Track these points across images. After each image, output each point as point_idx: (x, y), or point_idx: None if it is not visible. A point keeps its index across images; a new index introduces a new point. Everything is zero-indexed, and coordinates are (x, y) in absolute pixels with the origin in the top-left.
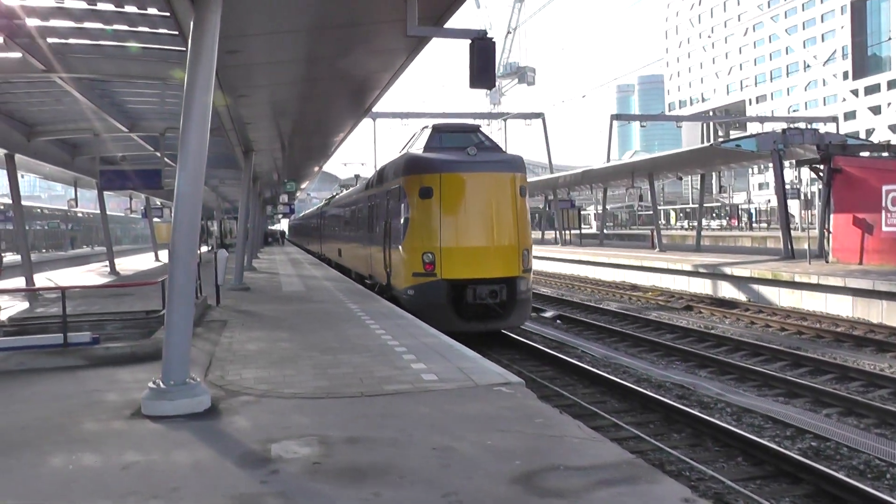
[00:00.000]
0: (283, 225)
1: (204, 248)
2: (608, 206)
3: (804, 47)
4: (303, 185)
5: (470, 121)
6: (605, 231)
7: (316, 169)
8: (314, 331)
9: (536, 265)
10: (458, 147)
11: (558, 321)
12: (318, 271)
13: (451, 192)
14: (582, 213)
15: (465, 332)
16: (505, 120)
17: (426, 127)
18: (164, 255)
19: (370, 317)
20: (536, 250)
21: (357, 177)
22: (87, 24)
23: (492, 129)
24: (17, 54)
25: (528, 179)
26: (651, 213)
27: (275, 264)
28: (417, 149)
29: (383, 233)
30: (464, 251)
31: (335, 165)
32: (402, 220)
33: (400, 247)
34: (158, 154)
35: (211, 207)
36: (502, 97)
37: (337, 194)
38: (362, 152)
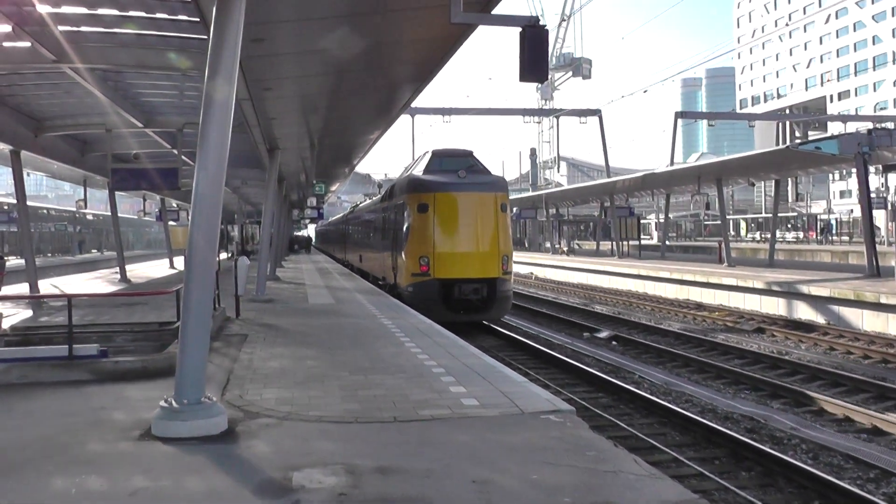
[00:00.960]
0: (310, 231)
1: (223, 255)
2: (671, 215)
3: (893, 36)
4: (333, 187)
5: (519, 117)
6: (667, 243)
7: (348, 169)
8: (343, 348)
9: (590, 279)
10: (453, 170)
11: (614, 342)
12: (349, 282)
13: (443, 208)
14: (642, 222)
15: (453, 322)
16: (557, 117)
17: (427, 152)
18: (179, 262)
19: (405, 334)
20: (590, 263)
21: (379, 186)
22: (100, 11)
23: (542, 128)
24: (26, 44)
25: (583, 183)
26: (719, 222)
27: (300, 274)
28: (419, 171)
29: (392, 240)
30: (452, 255)
31: (370, 164)
32: (405, 230)
33: (403, 251)
34: (175, 152)
35: (232, 210)
36: (555, 91)
37: (360, 203)
38: (400, 149)
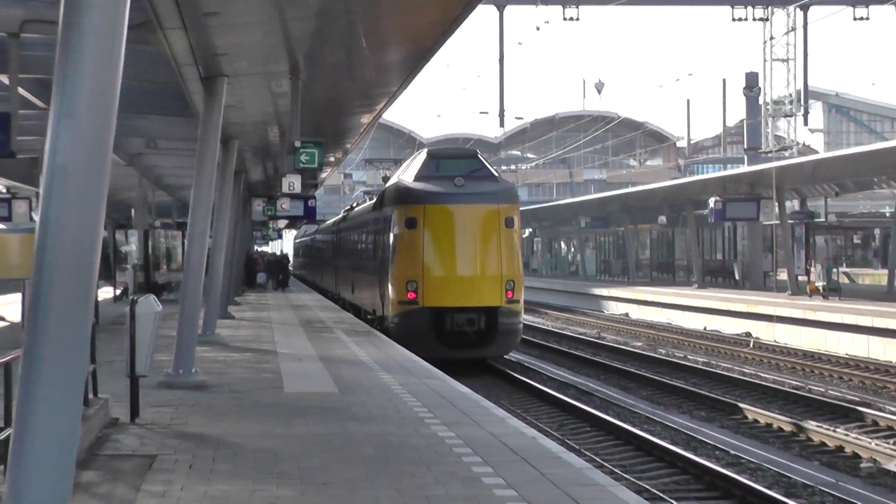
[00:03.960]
0: (286, 243)
1: (107, 293)
2: None
3: None
4: (334, 156)
5: (723, 8)
6: None
7: (366, 119)
8: (355, 487)
9: (875, 349)
10: (450, 176)
11: None
12: (364, 348)
13: (434, 223)
14: None
15: (447, 360)
16: (805, 8)
17: (421, 152)
18: (9, 306)
19: (482, 456)
20: (876, 315)
21: (385, 179)
22: None
23: (771, 32)
24: None
25: (859, 147)
26: None
27: (267, 330)
28: (409, 176)
29: (379, 262)
30: (444, 280)
31: (409, 111)
32: (391, 249)
33: (388, 275)
34: (4, 80)
35: (125, 201)
36: None
37: (355, 205)
38: (476, 75)
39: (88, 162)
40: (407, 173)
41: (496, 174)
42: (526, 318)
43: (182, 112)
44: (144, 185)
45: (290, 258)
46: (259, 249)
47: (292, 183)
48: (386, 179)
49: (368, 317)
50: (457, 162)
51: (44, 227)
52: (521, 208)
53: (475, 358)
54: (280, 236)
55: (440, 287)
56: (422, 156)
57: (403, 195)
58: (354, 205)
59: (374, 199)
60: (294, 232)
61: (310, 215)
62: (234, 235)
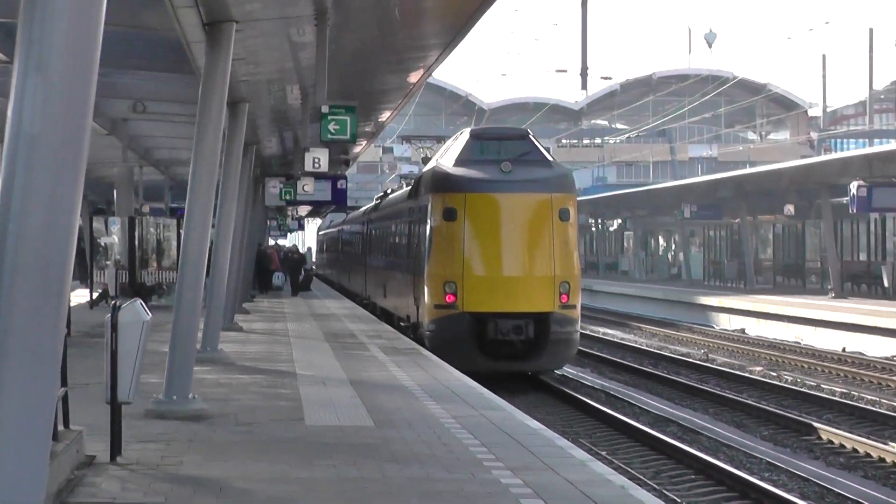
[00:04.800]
0: (308, 237)
1: (81, 296)
2: None
3: None
4: (366, 126)
5: None
6: None
7: (412, 78)
8: None
9: None
10: (496, 160)
11: None
12: (407, 370)
13: (477, 215)
14: None
15: (489, 373)
16: None
17: (463, 132)
18: None
19: None
20: None
21: (425, 160)
22: None
23: None
24: None
25: None
26: None
27: (283, 345)
28: (449, 159)
29: (414, 259)
30: (488, 281)
31: (465, 65)
32: (427, 245)
33: (424, 275)
34: None
35: (106, 179)
36: None
37: (390, 191)
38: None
39: (62, 129)
40: (447, 156)
41: (550, 158)
42: (614, 334)
43: (178, 67)
44: (130, 160)
45: (313, 254)
46: (275, 243)
47: (318, 159)
48: (427, 160)
49: (402, 324)
50: (504, 143)
51: (5, 212)
52: (609, 192)
53: (522, 371)
54: (301, 227)
55: (483, 289)
56: (464, 136)
57: (441, 182)
58: (388, 191)
59: (410, 186)
60: (318, 222)
61: (339, 199)
62: (244, 225)
